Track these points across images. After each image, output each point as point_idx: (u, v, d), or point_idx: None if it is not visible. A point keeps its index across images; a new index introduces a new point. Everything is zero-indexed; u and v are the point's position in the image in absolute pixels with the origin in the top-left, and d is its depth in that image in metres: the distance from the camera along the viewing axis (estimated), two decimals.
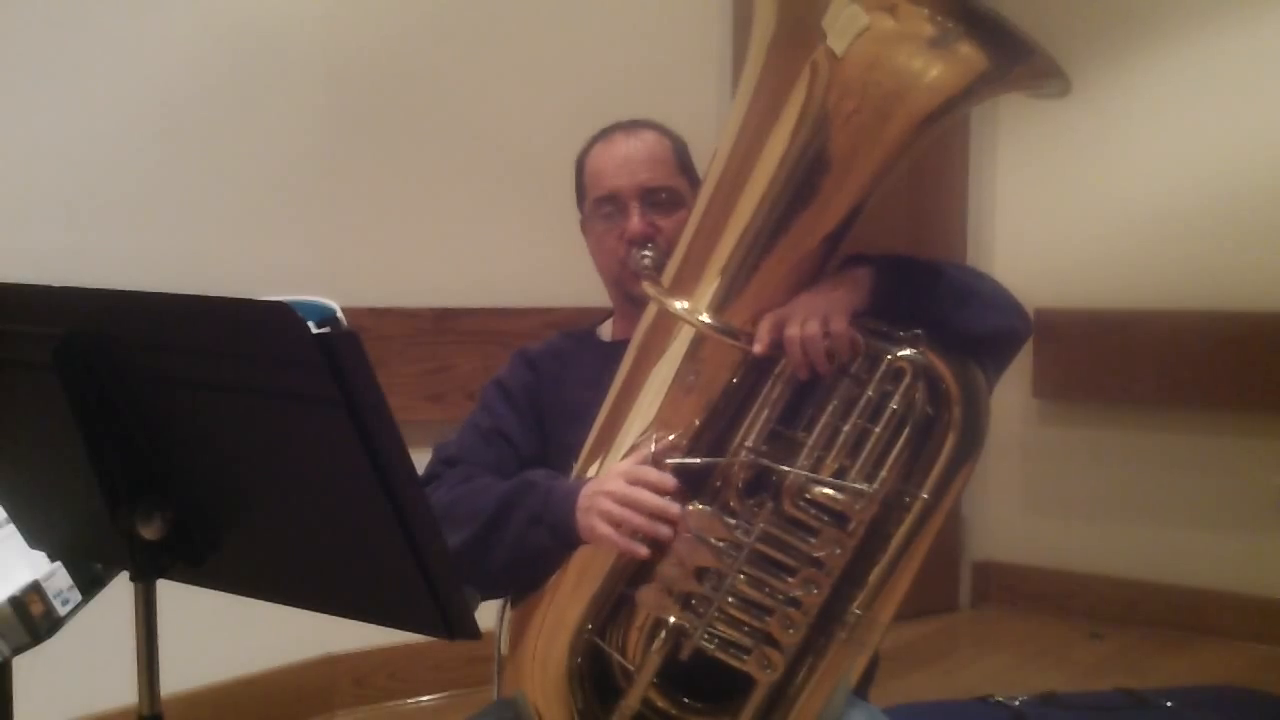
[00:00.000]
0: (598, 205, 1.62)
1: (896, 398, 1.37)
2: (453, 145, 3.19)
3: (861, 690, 1.57)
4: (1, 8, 2.54)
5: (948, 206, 4.15)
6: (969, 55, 1.33)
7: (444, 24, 3.18)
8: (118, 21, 2.69)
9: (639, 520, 1.35)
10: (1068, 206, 4.04)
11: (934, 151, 4.04)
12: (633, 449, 1.43)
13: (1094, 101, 3.88)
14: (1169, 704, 2.65)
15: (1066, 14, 3.90)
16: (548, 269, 3.10)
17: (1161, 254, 3.83)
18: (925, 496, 1.39)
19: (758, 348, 1.37)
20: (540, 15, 3.31)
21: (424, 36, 3.15)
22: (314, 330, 0.92)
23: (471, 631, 1.03)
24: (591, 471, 1.47)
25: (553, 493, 1.43)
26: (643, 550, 1.36)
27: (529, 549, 1.43)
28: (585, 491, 1.40)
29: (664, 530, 1.35)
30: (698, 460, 1.41)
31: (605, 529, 1.36)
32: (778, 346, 1.37)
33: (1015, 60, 1.36)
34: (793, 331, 1.36)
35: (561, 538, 1.41)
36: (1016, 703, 2.66)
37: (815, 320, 1.35)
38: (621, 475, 1.38)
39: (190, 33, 2.79)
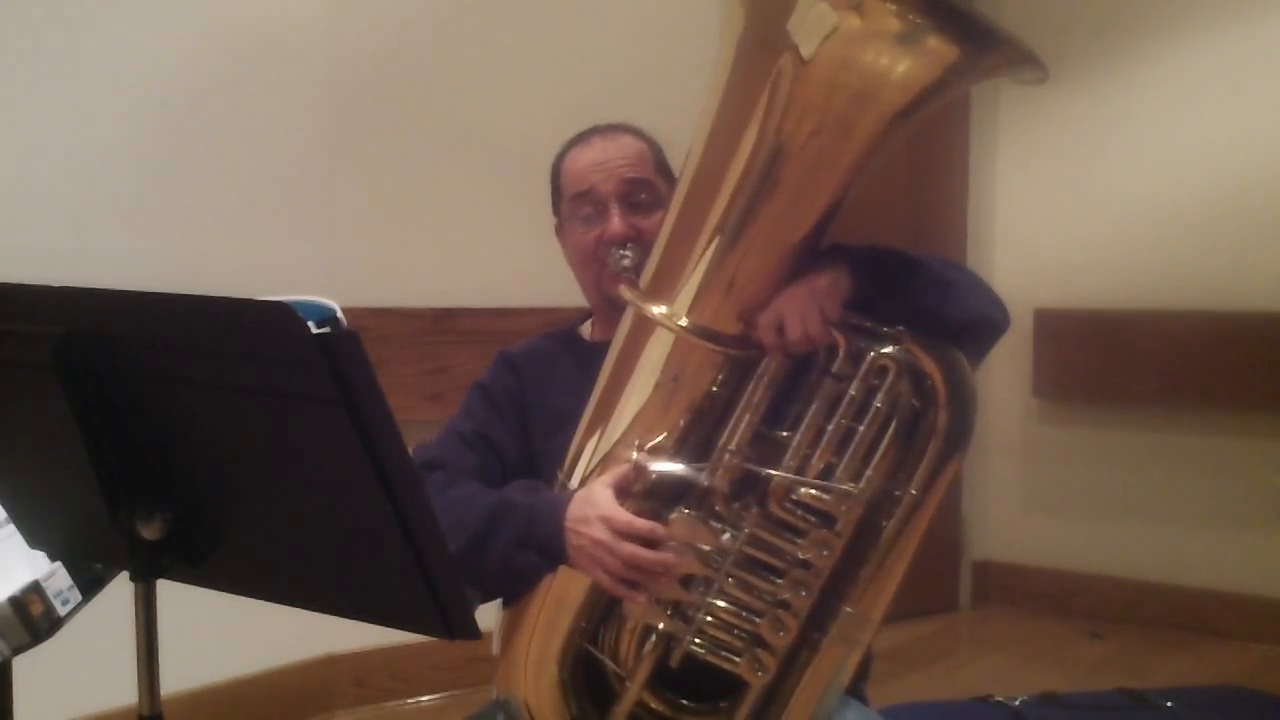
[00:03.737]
0: (575, 205, 1.61)
1: (881, 395, 1.37)
2: (452, 145, 3.19)
3: (857, 689, 1.57)
4: (1, 8, 2.54)
5: (948, 206, 4.15)
6: (937, 48, 1.32)
7: (443, 24, 3.18)
8: (118, 21, 2.69)
9: (636, 576, 1.36)
10: (1068, 206, 4.04)
11: (934, 151, 4.05)
12: (614, 456, 1.43)
13: (1095, 101, 3.89)
14: (1169, 704, 2.65)
15: (1067, 13, 3.90)
16: (548, 269, 3.07)
17: (1161, 254, 3.83)
18: (914, 492, 1.39)
19: (774, 356, 1.38)
20: (539, 16, 3.31)
21: (423, 37, 3.15)
22: (314, 330, 0.92)
23: (471, 631, 1.03)
24: (576, 478, 1.46)
25: (535, 512, 1.43)
26: (641, 598, 1.37)
27: (518, 569, 1.44)
28: (572, 519, 1.39)
29: (661, 581, 1.36)
30: (681, 466, 1.40)
31: (602, 576, 1.38)
32: (784, 350, 1.38)
33: (985, 51, 1.35)
34: (795, 335, 1.36)
35: (550, 556, 1.41)
36: (1016, 703, 2.66)
37: (814, 314, 1.36)
38: (606, 521, 1.36)
39: (190, 33, 2.79)
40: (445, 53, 3.18)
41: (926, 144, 3.97)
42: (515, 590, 1.48)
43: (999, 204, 4.20)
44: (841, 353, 1.38)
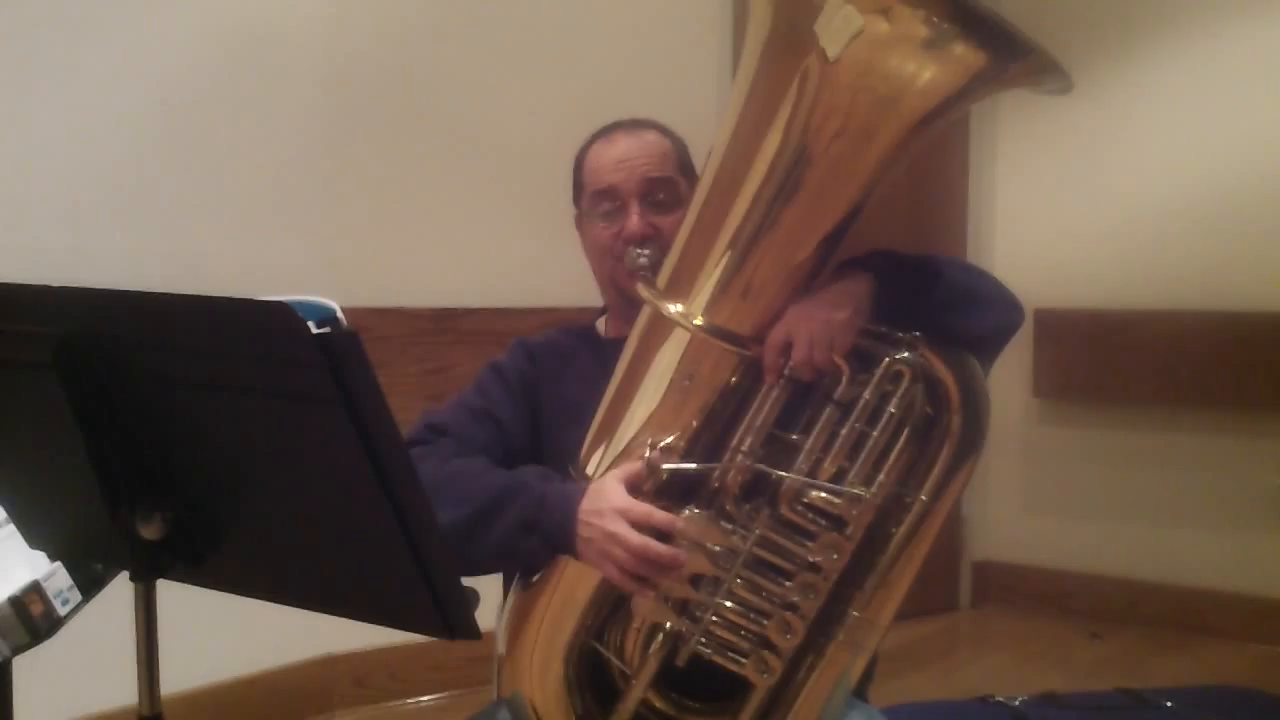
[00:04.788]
0: (596, 201, 1.61)
1: (895, 401, 1.36)
2: (452, 145, 3.19)
3: (860, 690, 1.57)
4: (1, 8, 2.54)
5: (948, 206, 4.15)
6: (964, 56, 1.31)
7: (444, 24, 3.18)
8: (118, 21, 2.69)
9: (647, 571, 1.35)
10: (1068, 206, 4.04)
11: (934, 151, 4.05)
12: (627, 453, 1.43)
13: (1095, 101, 3.89)
14: (1169, 704, 2.65)
15: (1067, 13, 3.90)
16: (548, 269, 3.10)
17: (1161, 254, 3.84)
18: (924, 498, 1.38)
19: (769, 378, 1.38)
20: (540, 15, 3.31)
21: (423, 36, 3.15)
22: (314, 330, 0.92)
23: (471, 631, 1.03)
24: (587, 474, 1.46)
25: (546, 499, 1.42)
26: (649, 593, 1.36)
27: (519, 552, 1.43)
28: (584, 510, 1.39)
29: (671, 579, 1.36)
30: (693, 465, 1.40)
31: (611, 570, 1.37)
32: (780, 372, 1.37)
33: (1011, 59, 1.34)
34: (800, 357, 1.36)
35: (555, 545, 1.41)
36: (1016, 703, 2.66)
37: (823, 344, 1.35)
38: (622, 513, 1.36)
39: (190, 33, 2.79)
40: (445, 53, 3.18)
41: (926, 144, 3.96)
42: (509, 570, 1.49)
43: (999, 204, 4.20)
44: (844, 381, 1.37)
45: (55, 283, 1.03)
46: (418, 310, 3.13)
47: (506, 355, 1.69)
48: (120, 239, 2.68)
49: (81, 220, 2.64)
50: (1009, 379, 3.99)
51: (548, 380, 1.65)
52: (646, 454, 1.40)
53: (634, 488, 1.39)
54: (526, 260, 3.19)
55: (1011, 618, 4.07)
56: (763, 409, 1.39)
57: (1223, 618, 3.75)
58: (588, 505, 1.39)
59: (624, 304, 1.60)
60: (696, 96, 3.36)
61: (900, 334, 1.37)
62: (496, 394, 1.63)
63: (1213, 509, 3.80)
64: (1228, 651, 3.60)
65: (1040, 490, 4.17)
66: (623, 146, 1.60)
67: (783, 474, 1.37)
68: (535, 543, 1.41)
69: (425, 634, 1.05)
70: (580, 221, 1.67)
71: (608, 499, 1.37)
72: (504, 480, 1.47)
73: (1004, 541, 4.22)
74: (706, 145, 1.54)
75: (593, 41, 3.38)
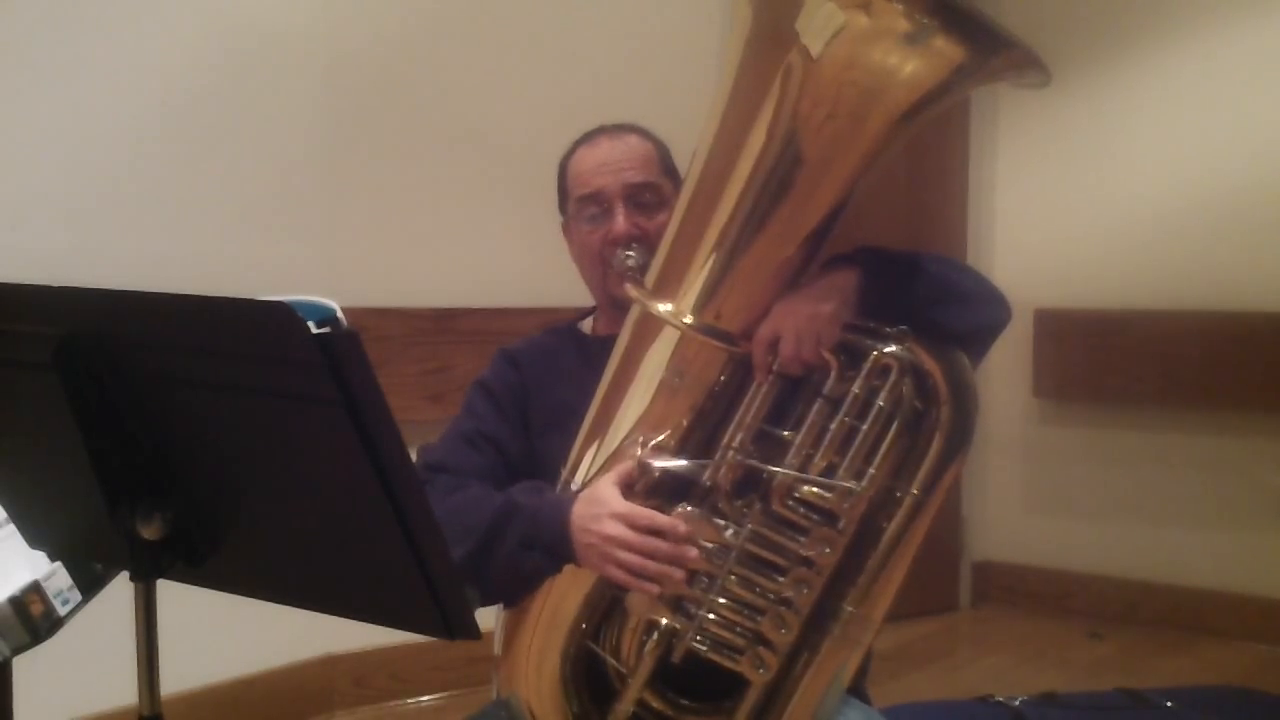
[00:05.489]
0: (581, 205, 1.61)
1: (883, 394, 1.37)
2: (452, 145, 3.19)
3: (858, 689, 1.57)
4: (1, 8, 2.54)
5: (948, 206, 4.15)
6: (945, 50, 1.33)
7: (443, 24, 3.18)
8: (118, 21, 2.69)
9: (655, 569, 1.35)
10: (1068, 206, 4.04)
11: (934, 151, 4.05)
12: (618, 453, 1.43)
13: (1094, 101, 3.89)
14: (1169, 704, 2.65)
15: (1066, 13, 3.90)
16: (548, 269, 3.07)
17: (1162, 254, 3.83)
18: (915, 492, 1.39)
19: (759, 376, 1.38)
20: (539, 15, 3.31)
21: (423, 37, 3.15)
22: (314, 330, 0.92)
23: (471, 631, 1.03)
24: (580, 475, 1.46)
25: (540, 513, 1.43)
26: (657, 589, 1.37)
27: (525, 571, 1.44)
28: (579, 517, 1.39)
29: (679, 575, 1.36)
30: (685, 463, 1.40)
31: (616, 573, 1.37)
32: (769, 369, 1.38)
33: (991, 53, 1.36)
34: (788, 353, 1.37)
35: (557, 557, 1.41)
36: (1016, 703, 2.66)
37: (810, 340, 1.36)
38: (623, 518, 1.36)
39: (190, 33, 2.80)
40: (445, 53, 3.18)
41: (926, 144, 3.97)
42: (521, 593, 1.48)
43: (999, 204, 4.20)
44: (833, 376, 1.38)
45: (55, 283, 1.03)
46: (418, 310, 3.13)
47: (490, 369, 1.70)
48: (120, 239, 2.68)
49: (81, 220, 2.64)
50: (1009, 379, 3.98)
51: (534, 384, 1.65)
52: (638, 453, 1.40)
53: (627, 488, 1.39)
54: (526, 260, 3.18)
55: (1011, 618, 4.07)
56: (753, 405, 1.40)
57: (1223, 618, 3.74)
58: (583, 511, 1.39)
59: (613, 307, 1.61)
60: (695, 97, 3.35)
61: (888, 328, 1.38)
62: (486, 411, 1.64)
63: (1213, 509, 3.79)
64: (1228, 651, 3.60)
65: (1040, 490, 4.17)
66: (606, 150, 1.62)
67: (774, 469, 1.38)
68: (538, 558, 1.42)
69: (425, 634, 1.05)
70: (567, 228, 1.67)
71: (606, 504, 1.38)
72: (497, 505, 1.47)
73: (1004, 541, 4.22)
74: None
75: (592, 42, 3.38)
